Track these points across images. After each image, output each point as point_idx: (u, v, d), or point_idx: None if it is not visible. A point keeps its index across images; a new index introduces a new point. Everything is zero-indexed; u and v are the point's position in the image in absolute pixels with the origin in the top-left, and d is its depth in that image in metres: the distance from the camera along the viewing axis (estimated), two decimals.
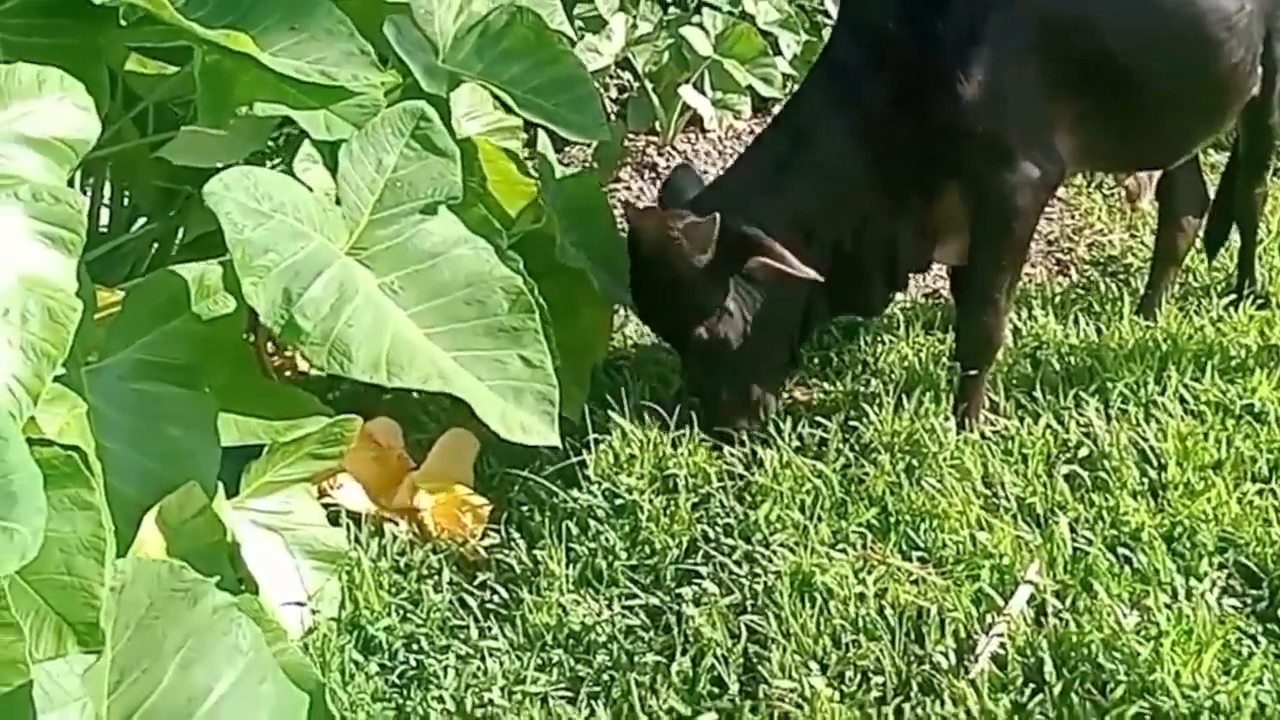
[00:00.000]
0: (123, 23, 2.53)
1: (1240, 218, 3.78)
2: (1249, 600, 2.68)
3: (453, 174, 2.67)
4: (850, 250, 3.11)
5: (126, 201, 3.29)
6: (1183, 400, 3.25)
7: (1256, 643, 2.56)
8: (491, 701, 2.48)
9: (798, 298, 3.12)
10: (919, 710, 2.44)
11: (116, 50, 2.83)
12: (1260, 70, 3.33)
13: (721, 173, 3.29)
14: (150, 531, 2.31)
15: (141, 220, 3.25)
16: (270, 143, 3.40)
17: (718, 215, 2.92)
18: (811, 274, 2.97)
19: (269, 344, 3.09)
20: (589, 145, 4.45)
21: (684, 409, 3.10)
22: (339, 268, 2.52)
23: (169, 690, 1.94)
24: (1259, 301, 3.76)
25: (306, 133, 2.72)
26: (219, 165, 2.67)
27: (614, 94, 4.86)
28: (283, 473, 2.56)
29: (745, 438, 3.11)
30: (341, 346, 2.44)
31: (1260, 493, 2.94)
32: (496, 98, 3.09)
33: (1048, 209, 4.45)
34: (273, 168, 3.00)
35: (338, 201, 2.63)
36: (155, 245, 3.23)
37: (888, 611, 2.62)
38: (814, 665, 2.53)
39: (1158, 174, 3.76)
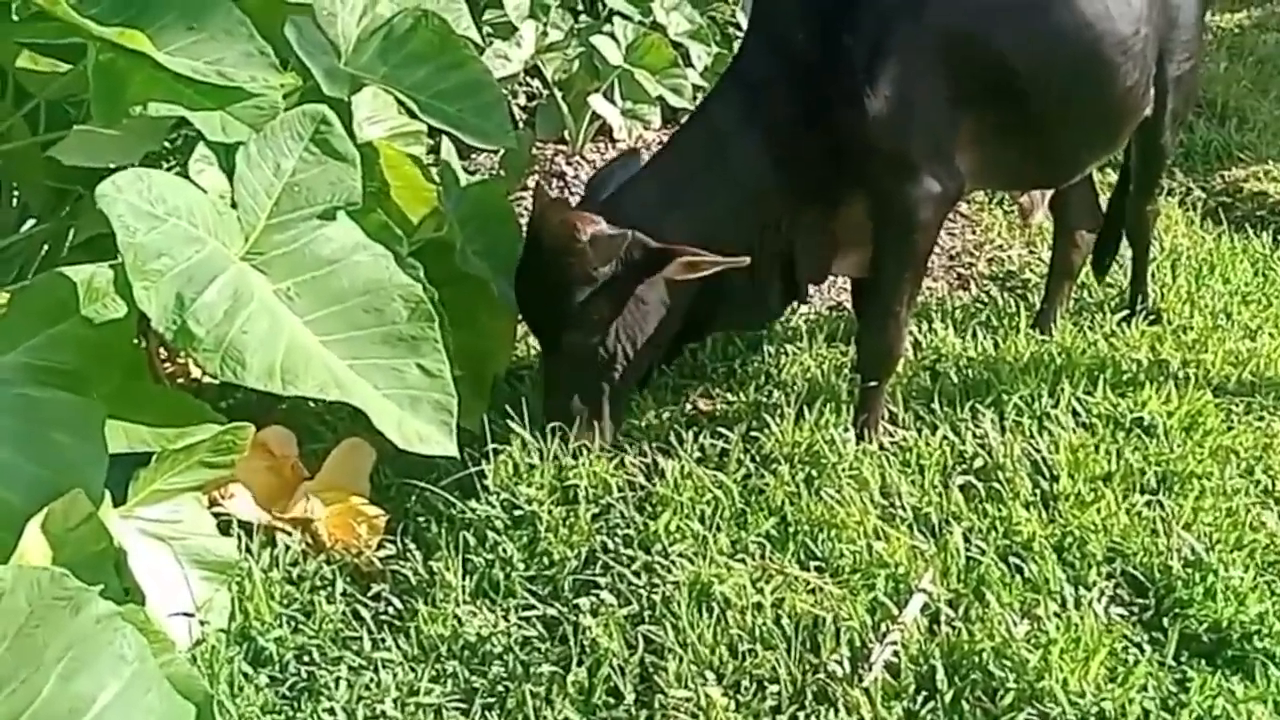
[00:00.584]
0: (15, 18, 2.47)
1: (1132, 235, 3.88)
2: (1136, 609, 2.74)
3: (352, 179, 2.63)
4: (752, 261, 3.09)
5: (16, 202, 3.20)
6: (1075, 413, 3.32)
7: (1142, 651, 2.62)
8: (384, 713, 2.45)
9: (676, 317, 3.11)
10: (813, 718, 2.46)
11: (7, 46, 2.76)
12: (1153, 91, 3.42)
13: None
14: (34, 539, 2.24)
15: (31, 221, 3.16)
16: (166, 144, 3.32)
17: (629, 234, 2.91)
18: (741, 260, 2.96)
19: (161, 349, 3.03)
20: (496, 153, 4.43)
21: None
22: (234, 273, 2.47)
23: (49, 700, 1.88)
24: (1150, 318, 3.86)
25: (202, 134, 2.67)
26: (112, 166, 2.61)
27: (522, 101, 4.84)
28: (172, 481, 2.51)
29: (646, 448, 3.11)
30: (235, 353, 2.40)
31: (1149, 504, 3.01)
32: (400, 102, 3.06)
33: (950, 224, 4.57)
34: (167, 170, 2.94)
35: (233, 205, 2.58)
36: (45, 247, 3.15)
37: (784, 621, 2.64)
38: (710, 675, 2.53)
39: (1050, 191, 3.84)
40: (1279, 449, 3.29)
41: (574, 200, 4.23)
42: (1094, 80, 3.21)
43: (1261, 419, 3.43)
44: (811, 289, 3.97)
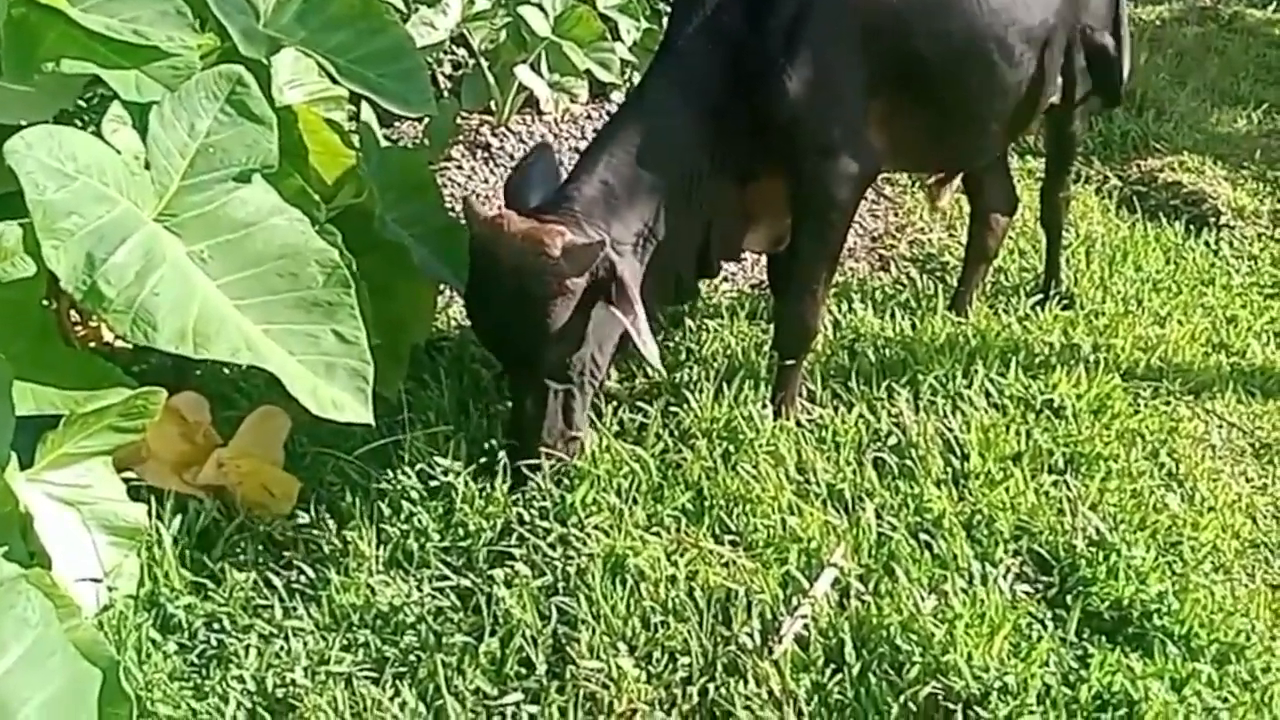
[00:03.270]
0: None
1: (1046, 221, 3.96)
2: (1040, 586, 2.80)
3: (268, 142, 2.59)
4: (674, 241, 3.07)
5: None
6: (988, 394, 3.37)
7: (1045, 627, 2.68)
8: (294, 681, 2.44)
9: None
10: (723, 690, 2.49)
11: None
12: (1060, 80, 3.48)
13: (571, 167, 3.10)
14: None
15: None
16: (80, 102, 3.26)
17: (605, 240, 2.80)
18: (651, 351, 2.86)
19: (73, 311, 2.97)
20: (420, 120, 4.38)
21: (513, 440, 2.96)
22: (146, 234, 2.43)
23: None
24: (1064, 303, 3.93)
25: (116, 93, 2.62)
26: (23, 123, 2.54)
27: (448, 70, 4.79)
28: (82, 445, 2.47)
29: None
30: (146, 315, 2.36)
31: (1056, 484, 3.08)
32: (321, 67, 3.02)
33: (873, 207, 4.61)
34: (81, 128, 2.87)
35: (147, 166, 2.53)
36: None
37: (697, 593, 2.66)
38: (622, 646, 2.55)
39: (959, 176, 3.89)
40: (1184, 433, 3.39)
41: (500, 178, 4.24)
42: (998, 68, 3.25)
43: (1168, 403, 3.52)
44: (734, 266, 4.03)
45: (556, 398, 2.91)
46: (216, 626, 2.57)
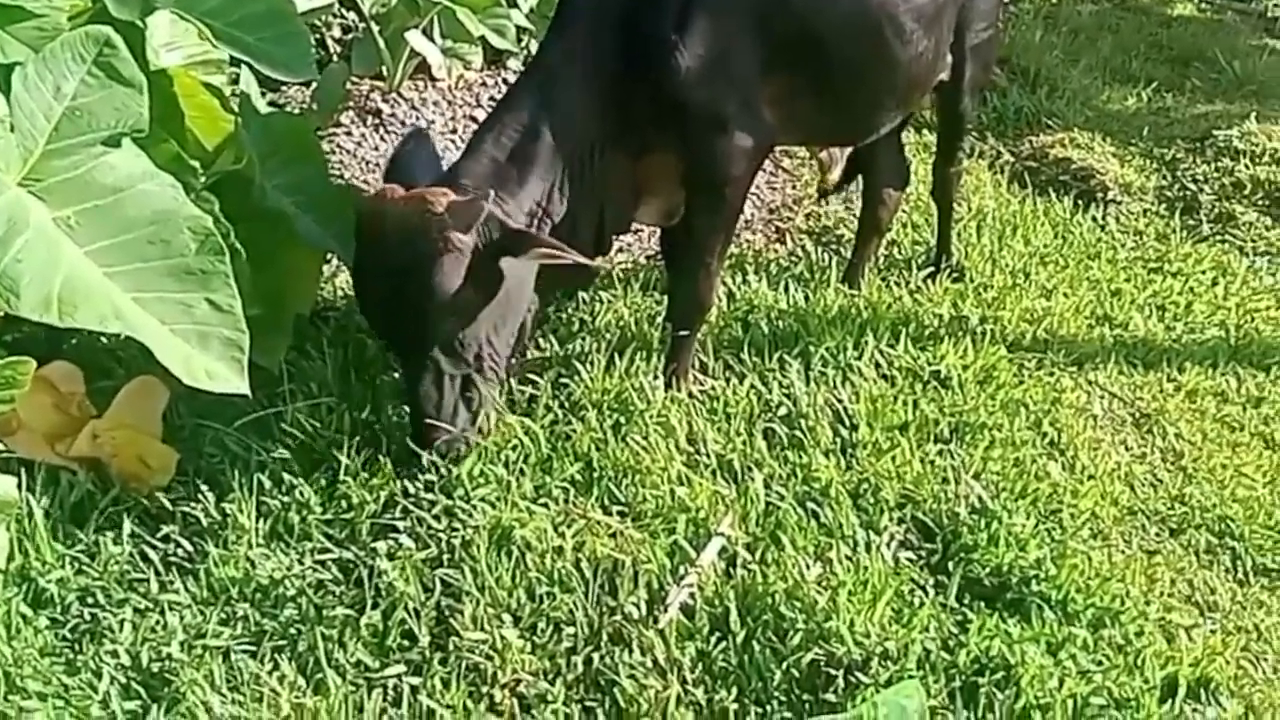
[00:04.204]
0: None
1: (937, 196, 4.00)
2: (923, 554, 2.84)
3: (138, 105, 2.51)
4: (570, 219, 3.02)
5: None
6: (877, 365, 3.41)
7: (927, 593, 2.72)
8: (170, 656, 2.39)
9: (527, 290, 2.95)
10: (608, 659, 2.49)
11: None
12: (950, 58, 3.52)
13: (464, 139, 3.04)
14: None
15: None
16: None
17: (491, 194, 2.75)
18: (595, 263, 2.85)
19: None
20: (308, 85, 4.29)
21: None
22: (9, 199, 2.35)
23: None
24: (954, 275, 3.98)
25: None
26: None
27: (337, 34, 4.68)
28: None
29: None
30: (9, 283, 2.28)
31: (941, 453, 3.12)
32: (200, 30, 2.94)
33: (770, 179, 4.62)
34: None
35: (11, 129, 2.44)
36: None
37: (584, 564, 2.66)
38: (507, 617, 2.54)
39: (849, 149, 3.92)
40: (1066, 403, 3.45)
41: (391, 145, 4.16)
42: (892, 45, 3.27)
43: (1052, 374, 3.58)
44: (629, 237, 4.01)
45: (452, 382, 2.83)
46: (90, 601, 2.51)
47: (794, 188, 4.66)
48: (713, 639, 2.54)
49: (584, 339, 3.43)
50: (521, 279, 2.90)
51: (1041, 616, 2.68)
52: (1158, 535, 3.11)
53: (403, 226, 2.72)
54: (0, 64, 2.51)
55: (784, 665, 2.49)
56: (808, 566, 2.69)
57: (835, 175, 4.05)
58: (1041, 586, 2.75)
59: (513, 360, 3.02)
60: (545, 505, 2.80)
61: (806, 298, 3.73)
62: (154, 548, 2.63)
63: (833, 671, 2.48)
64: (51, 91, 2.45)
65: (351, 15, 4.64)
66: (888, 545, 2.81)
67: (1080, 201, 4.75)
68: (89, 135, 2.46)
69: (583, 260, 2.86)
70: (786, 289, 3.77)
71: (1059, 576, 2.76)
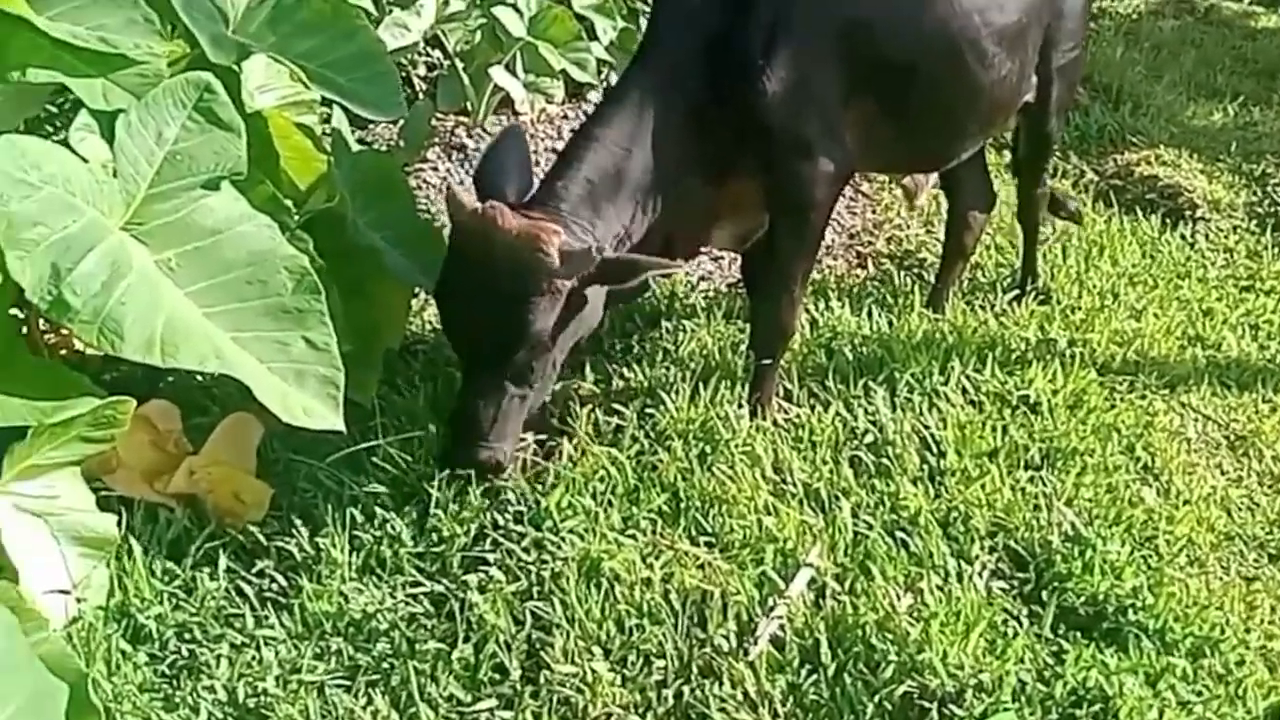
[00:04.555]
0: None
1: (1022, 218, 3.96)
2: (1016, 583, 2.81)
3: (236, 148, 2.58)
4: (647, 242, 3.04)
5: None
6: (964, 390, 3.38)
7: (1020, 623, 2.68)
8: (265, 691, 2.42)
9: (597, 315, 2.97)
10: (698, 692, 2.48)
11: None
12: (1035, 79, 3.49)
13: (551, 165, 3.05)
14: None
15: None
16: (51, 108, 3.24)
17: (603, 248, 2.78)
18: (680, 265, 2.90)
19: (42, 320, 2.94)
20: (395, 123, 4.36)
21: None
22: (112, 243, 2.41)
23: None
24: (1040, 298, 3.94)
25: (83, 102, 2.60)
26: None
27: (423, 72, 4.76)
28: (49, 455, 2.45)
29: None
30: (113, 325, 2.35)
31: (1032, 480, 3.08)
32: (293, 72, 3.01)
33: (850, 204, 4.61)
34: (50, 136, 2.86)
35: (114, 174, 2.52)
36: None
37: (672, 596, 2.66)
38: (597, 650, 2.55)
39: (934, 175, 3.89)
40: (1159, 426, 3.40)
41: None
42: (975, 69, 3.26)
43: (1144, 397, 3.52)
44: (710, 265, 4.03)
45: (510, 400, 2.85)
46: (188, 636, 2.55)
47: (874, 212, 4.64)
48: (803, 671, 2.53)
49: (668, 368, 3.44)
50: (597, 302, 2.93)
51: (1139, 646, 2.63)
52: (1256, 561, 3.04)
53: (510, 259, 2.72)
54: (104, 111, 2.58)
55: (876, 698, 2.47)
56: (898, 597, 2.67)
57: (922, 200, 4.03)
58: (1138, 615, 2.70)
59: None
60: (633, 536, 2.81)
61: (890, 323, 3.71)
62: (249, 583, 2.67)
63: (926, 704, 2.46)
64: (153, 137, 2.52)
65: (437, 53, 4.72)
66: (979, 574, 2.78)
67: (1168, 220, 4.68)
68: (189, 179, 2.54)
69: (684, 267, 2.87)
70: (870, 314, 3.76)
71: (1156, 605, 2.72)
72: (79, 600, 2.48)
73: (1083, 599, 2.74)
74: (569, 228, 2.82)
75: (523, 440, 2.95)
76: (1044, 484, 3.06)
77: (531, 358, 2.83)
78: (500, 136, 3.14)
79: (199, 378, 3.05)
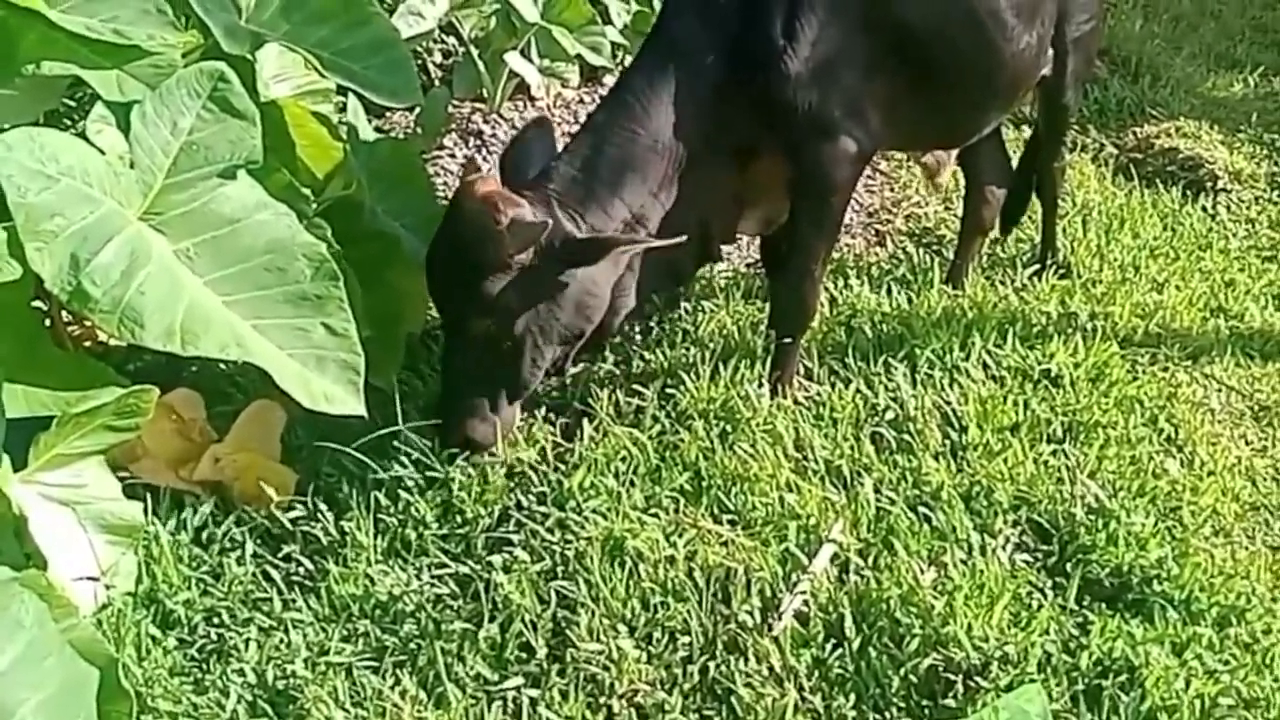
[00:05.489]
0: None
1: (1041, 192, 3.94)
2: (1040, 555, 2.80)
3: (252, 137, 2.59)
4: (667, 227, 3.03)
5: None
6: (985, 365, 3.36)
7: (1045, 596, 2.68)
8: (294, 673, 2.45)
9: (599, 306, 2.95)
10: (723, 668, 2.49)
11: None
12: (1052, 52, 3.47)
13: (561, 148, 3.07)
14: None
15: None
16: (70, 101, 3.27)
17: (550, 222, 2.78)
18: (677, 240, 2.89)
19: (65, 312, 2.97)
20: (411, 110, 4.38)
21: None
22: (131, 233, 2.43)
23: None
24: (1060, 272, 3.92)
25: (99, 94, 2.62)
26: (5, 126, 2.55)
27: (438, 59, 4.77)
28: (75, 445, 2.47)
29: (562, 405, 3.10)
30: (133, 314, 2.37)
31: (1054, 453, 3.07)
32: (307, 60, 3.02)
33: (869, 181, 4.59)
34: (68, 128, 2.88)
35: (131, 165, 2.53)
36: None
37: (696, 573, 2.66)
38: (622, 628, 2.56)
39: (955, 151, 3.87)
40: (1182, 398, 3.38)
41: (493, 163, 4.22)
42: (992, 42, 3.23)
43: (1166, 369, 3.51)
44: (728, 247, 4.01)
45: (485, 376, 2.88)
46: (216, 621, 2.58)
47: (892, 190, 4.62)
48: (828, 646, 2.53)
49: (688, 349, 3.44)
50: (589, 286, 2.91)
51: (1165, 616, 2.62)
52: None
53: (468, 226, 2.79)
54: (119, 102, 2.60)
55: (901, 671, 2.47)
56: (922, 571, 2.67)
57: (944, 178, 4.01)
58: (1164, 586, 2.69)
59: (566, 360, 3.04)
60: (656, 515, 2.82)
61: (910, 300, 3.70)
62: (276, 567, 2.69)
63: (951, 677, 2.46)
64: (169, 127, 2.54)
65: (452, 40, 4.73)
66: (1003, 548, 2.77)
67: (1189, 192, 4.65)
68: (205, 168, 2.55)
69: (665, 243, 2.88)
70: (889, 292, 3.75)
71: (1181, 575, 2.71)
72: (108, 587, 2.51)
73: (1107, 570, 2.73)
74: (551, 207, 2.84)
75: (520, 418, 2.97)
76: (1067, 457, 3.05)
77: (495, 332, 2.84)
78: (527, 125, 3.16)
79: (222, 365, 3.08)
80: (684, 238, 2.92)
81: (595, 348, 3.16)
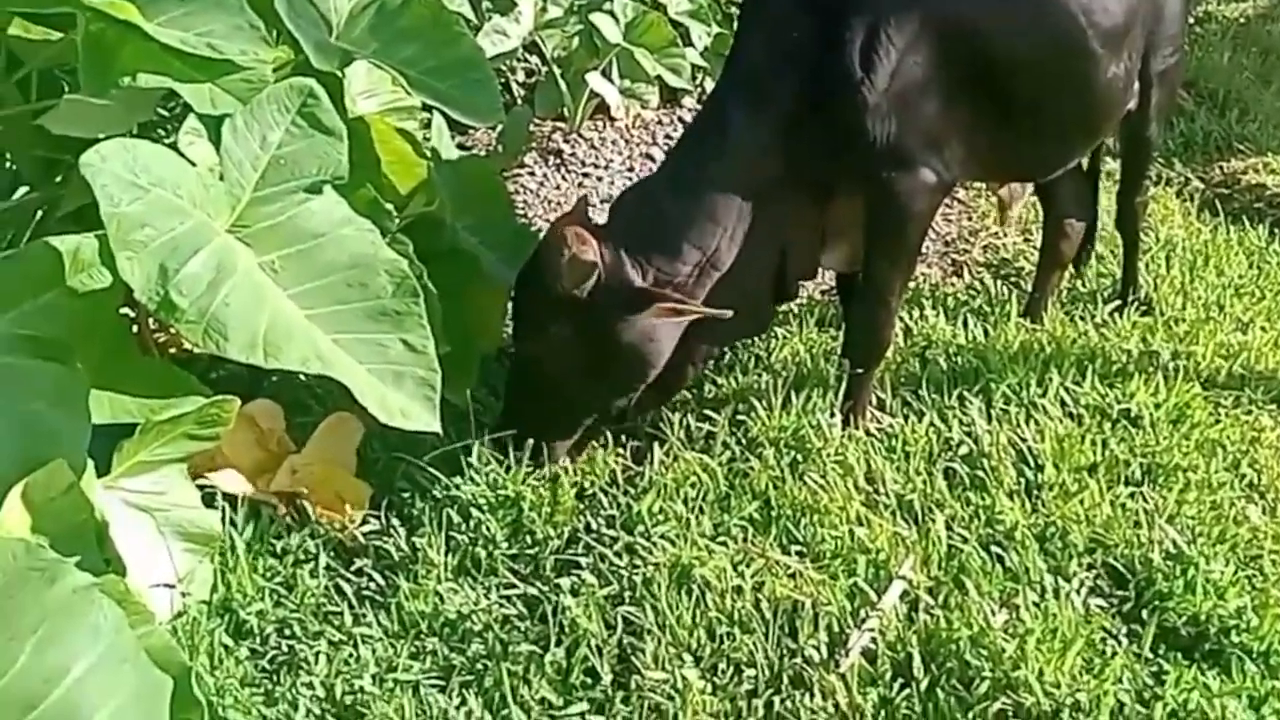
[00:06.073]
0: None
1: (1123, 227, 3.88)
2: (1115, 600, 2.75)
3: (339, 153, 2.63)
4: (744, 268, 3.01)
5: (8, 169, 3.20)
6: (1063, 403, 3.31)
7: (1119, 642, 2.62)
8: (362, 689, 2.46)
9: (656, 356, 2.96)
10: (789, 703, 2.47)
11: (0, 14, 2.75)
12: (1138, 85, 3.42)
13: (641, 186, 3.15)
14: (14, 509, 2.24)
15: (23, 189, 3.16)
16: (164, 112, 3.32)
17: (598, 263, 2.82)
18: (715, 312, 2.89)
19: (152, 320, 3.02)
20: (494, 129, 4.41)
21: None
22: (218, 245, 2.47)
23: (24, 671, 1.89)
24: (1142, 309, 3.85)
25: (191, 106, 2.67)
26: (101, 136, 2.60)
27: (521, 78, 4.82)
28: (157, 452, 2.51)
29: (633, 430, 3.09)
30: (218, 325, 2.40)
31: (1132, 495, 3.01)
32: (394, 78, 3.05)
33: (946, 211, 4.56)
34: (160, 140, 2.93)
35: (221, 178, 2.57)
36: (38, 215, 3.15)
37: (763, 605, 2.65)
38: (688, 657, 2.55)
39: (1030, 185, 3.82)
40: (1266, 443, 3.29)
41: (571, 184, 4.25)
42: (1076, 74, 3.19)
43: (1249, 412, 3.42)
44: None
45: (538, 396, 2.95)
46: (288, 633, 2.60)
47: (970, 219, 4.58)
48: (895, 685, 2.50)
49: (760, 375, 3.43)
50: (649, 333, 2.91)
51: (1243, 669, 2.56)
52: None
53: (542, 252, 2.87)
54: (211, 115, 2.64)
55: (970, 714, 2.43)
56: (993, 612, 2.63)
57: (1015, 212, 3.96)
58: (1242, 637, 2.63)
59: (629, 405, 3.07)
60: (724, 544, 2.81)
61: (986, 333, 3.66)
62: (348, 581, 2.72)
63: None
64: (258, 141, 2.58)
65: (534, 59, 4.77)
66: (1077, 591, 2.72)
67: (1276, 230, 4.54)
68: (293, 183, 2.59)
69: (713, 312, 2.89)
70: (965, 324, 3.70)
71: (1261, 627, 2.64)
72: (184, 595, 2.55)
73: (1184, 619, 2.67)
74: (618, 250, 2.87)
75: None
76: (1145, 500, 2.99)
77: (542, 354, 2.91)
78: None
79: (301, 378, 3.11)
80: (728, 313, 2.91)
81: (665, 393, 3.15)
